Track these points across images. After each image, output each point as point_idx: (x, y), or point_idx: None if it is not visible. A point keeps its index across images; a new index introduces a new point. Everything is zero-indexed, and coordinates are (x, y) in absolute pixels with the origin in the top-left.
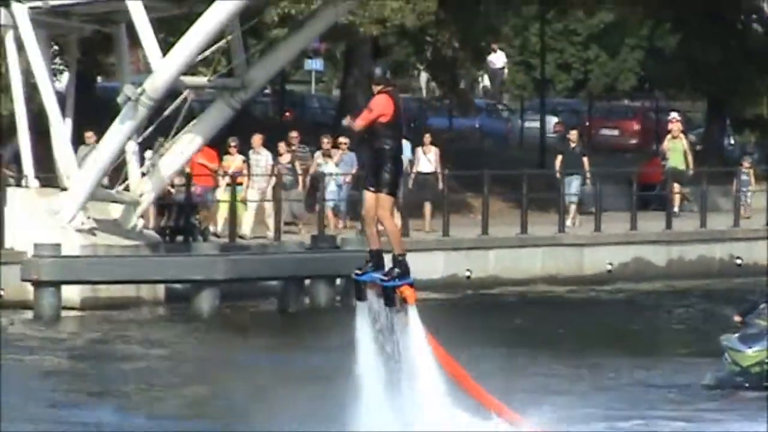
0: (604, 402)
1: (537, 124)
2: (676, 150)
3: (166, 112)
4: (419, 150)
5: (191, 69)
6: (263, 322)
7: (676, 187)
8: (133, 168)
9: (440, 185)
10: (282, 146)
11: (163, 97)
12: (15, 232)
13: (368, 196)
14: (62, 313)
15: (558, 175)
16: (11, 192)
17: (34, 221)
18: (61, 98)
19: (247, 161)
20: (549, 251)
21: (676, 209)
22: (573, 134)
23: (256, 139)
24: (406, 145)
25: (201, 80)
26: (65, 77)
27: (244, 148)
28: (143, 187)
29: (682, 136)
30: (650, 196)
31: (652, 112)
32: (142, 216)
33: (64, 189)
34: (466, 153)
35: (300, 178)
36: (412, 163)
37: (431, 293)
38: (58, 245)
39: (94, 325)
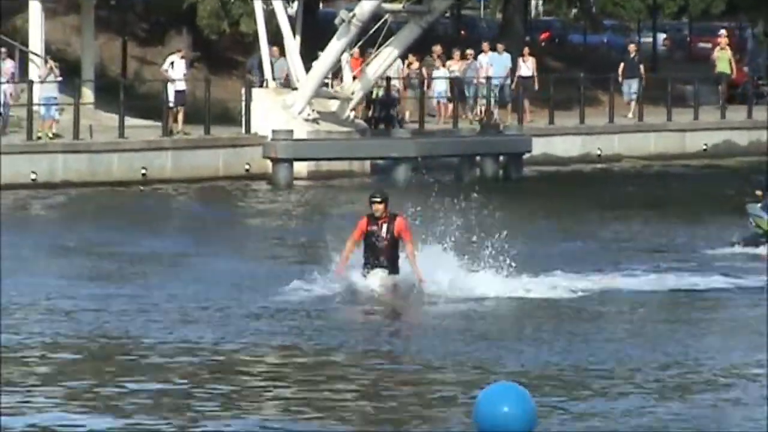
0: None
1: (650, 39)
2: (723, 59)
3: (371, 31)
4: (520, 59)
5: None
6: (445, 189)
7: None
8: (346, 72)
9: (536, 87)
10: (410, 56)
11: (369, 19)
12: (258, 121)
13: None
14: (294, 182)
15: (620, 78)
16: (255, 91)
17: (272, 113)
18: (292, 21)
19: None
20: (659, 135)
21: (724, 104)
22: (632, 47)
23: None
24: (506, 56)
25: (397, 6)
26: (295, 5)
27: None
28: (354, 87)
29: (727, 48)
30: (735, 93)
31: (737, 30)
32: (353, 109)
33: (295, 89)
34: (597, 61)
35: (425, 81)
36: (512, 70)
37: (571, 166)
38: (291, 131)
39: (318, 190)
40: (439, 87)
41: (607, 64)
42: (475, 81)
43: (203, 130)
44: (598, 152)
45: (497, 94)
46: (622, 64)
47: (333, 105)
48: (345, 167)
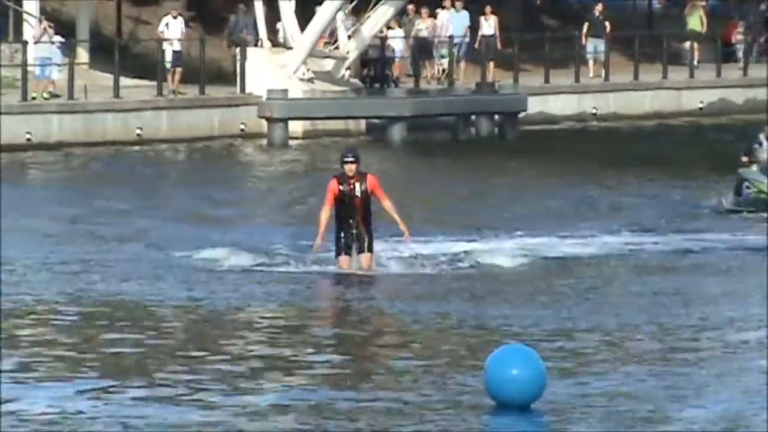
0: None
1: None
2: (694, 15)
3: None
4: (481, 18)
5: None
6: (440, 148)
7: (689, 44)
8: (341, 32)
9: (498, 46)
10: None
11: None
12: (253, 81)
13: (346, 260)
14: (289, 141)
15: (584, 38)
16: (250, 51)
17: (267, 73)
18: None
19: None
20: (655, 93)
21: (695, 62)
22: (599, 6)
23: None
24: (464, 14)
25: None
26: None
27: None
28: (349, 46)
29: (698, 4)
30: (729, 51)
31: None
32: (348, 68)
33: (290, 48)
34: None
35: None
36: (472, 29)
37: (566, 125)
38: (286, 90)
39: (312, 149)
40: (396, 46)
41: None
42: (436, 40)
43: (198, 89)
44: (594, 111)
45: (455, 53)
46: (586, 24)
47: (328, 64)
48: (340, 126)
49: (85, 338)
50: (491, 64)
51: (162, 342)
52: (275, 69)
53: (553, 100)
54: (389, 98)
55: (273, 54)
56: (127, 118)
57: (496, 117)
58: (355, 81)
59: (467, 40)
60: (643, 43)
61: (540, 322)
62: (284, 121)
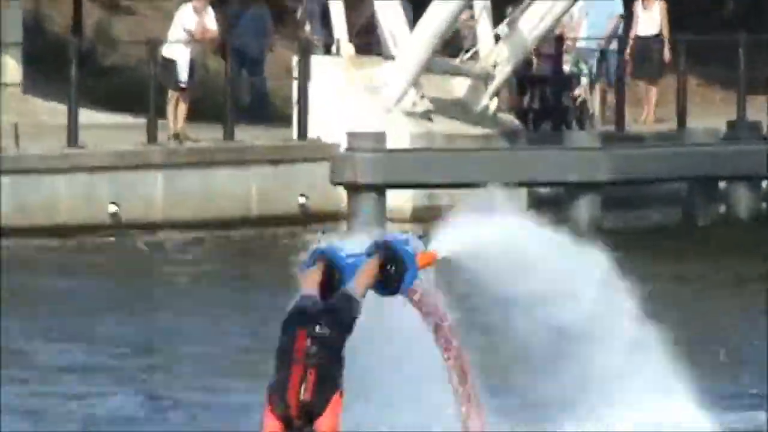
0: None
1: None
2: None
3: None
4: (638, 5)
5: None
6: (663, 239)
7: None
8: (483, 29)
9: (666, 54)
10: None
11: None
12: (322, 117)
13: None
14: (387, 225)
15: None
16: (317, 62)
17: (347, 102)
18: None
19: None
20: None
21: None
22: None
23: None
24: None
25: None
26: None
27: None
28: (497, 56)
29: None
30: None
31: None
32: (496, 94)
33: (389, 57)
34: None
35: None
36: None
37: None
38: (382, 134)
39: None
40: None
41: None
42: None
43: (222, 133)
44: None
45: (593, 67)
46: None
47: (459, 88)
48: None
49: None
50: (652, 93)
51: None
52: (362, 95)
53: None
54: (570, 149)
55: (357, 68)
56: (91, 185)
57: (764, 184)
58: (509, 117)
59: (613, 46)
60: None
61: None
62: (379, 189)
